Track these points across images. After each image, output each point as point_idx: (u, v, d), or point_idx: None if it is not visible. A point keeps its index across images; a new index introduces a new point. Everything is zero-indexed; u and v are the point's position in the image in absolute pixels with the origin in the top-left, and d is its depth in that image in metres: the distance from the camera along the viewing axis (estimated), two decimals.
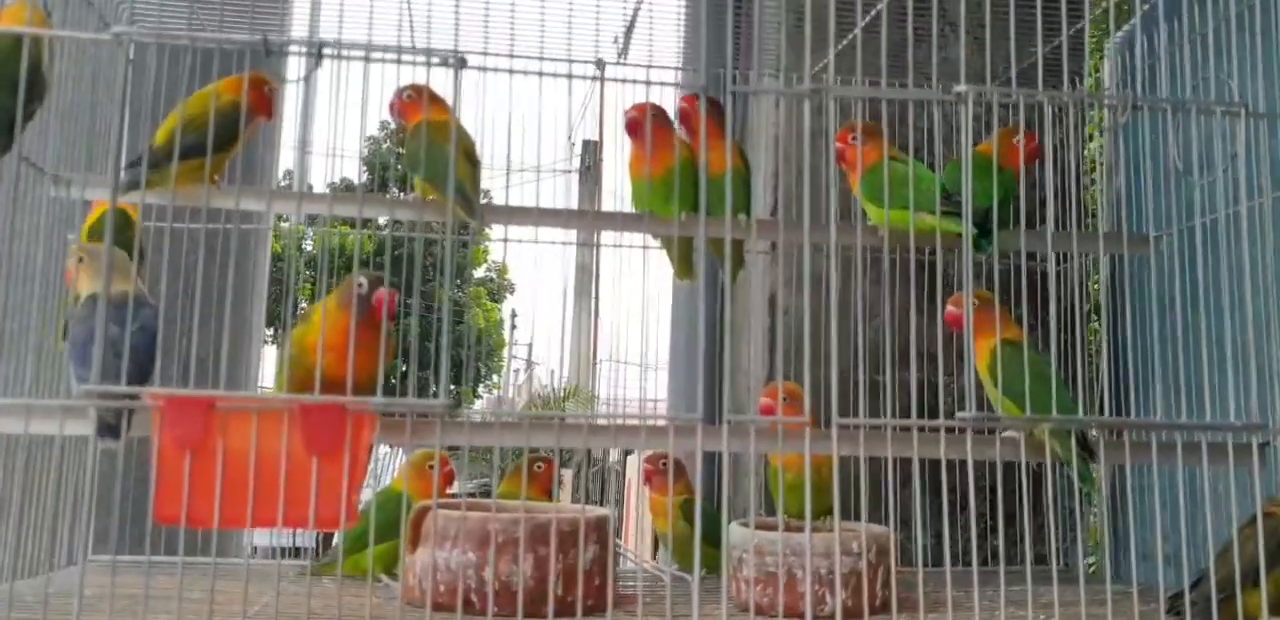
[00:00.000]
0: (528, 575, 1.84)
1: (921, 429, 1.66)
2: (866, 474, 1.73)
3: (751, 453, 1.69)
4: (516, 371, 16.95)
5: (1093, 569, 3.00)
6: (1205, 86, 2.23)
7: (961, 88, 1.57)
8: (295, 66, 1.75)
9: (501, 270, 16.64)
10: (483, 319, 15.59)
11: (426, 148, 1.96)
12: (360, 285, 1.83)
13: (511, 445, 1.91)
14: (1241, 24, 2.13)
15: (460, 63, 1.45)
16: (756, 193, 2.97)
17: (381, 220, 2.40)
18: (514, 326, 16.26)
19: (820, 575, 1.94)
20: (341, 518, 1.38)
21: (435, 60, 1.44)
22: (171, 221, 2.33)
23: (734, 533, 2.05)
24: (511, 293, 16.82)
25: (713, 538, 2.13)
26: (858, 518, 2.15)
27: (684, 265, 2.35)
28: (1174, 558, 2.07)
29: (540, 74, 2.13)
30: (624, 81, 2.30)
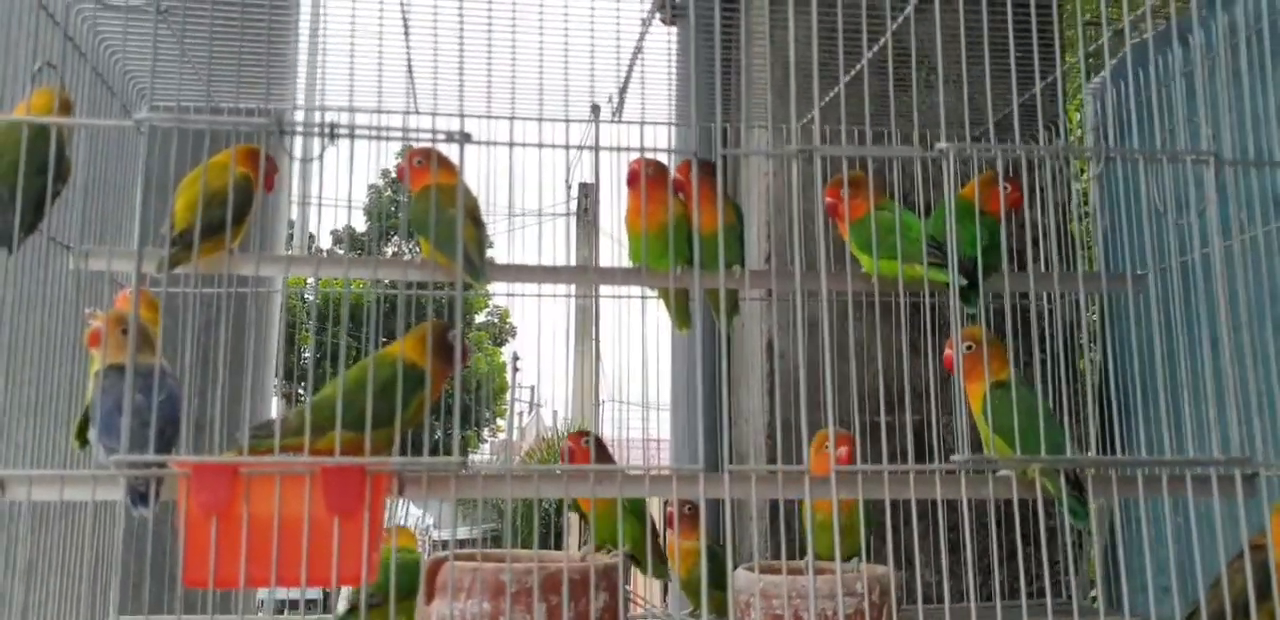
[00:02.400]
0: None
1: (920, 473, 1.72)
2: (867, 515, 1.80)
3: (753, 499, 1.75)
4: (520, 414, 16.96)
5: (1093, 602, 3.04)
6: (1176, 132, 2.33)
7: (943, 145, 1.66)
8: (302, 140, 1.83)
9: (504, 315, 16.75)
10: (485, 363, 15.64)
11: (433, 212, 2.04)
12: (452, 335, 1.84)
13: (519, 496, 1.97)
14: (1209, 70, 2.22)
15: (465, 138, 1.53)
16: (751, 243, 3.05)
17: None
18: (516, 370, 16.30)
19: (826, 616, 1.99)
20: (363, 575, 1.44)
21: (441, 137, 1.53)
22: (183, 287, 2.42)
23: (739, 577, 2.10)
24: (513, 336, 16.89)
25: (723, 582, 2.19)
26: (874, 558, 2.22)
27: (681, 316, 2.42)
28: (1170, 590, 2.12)
29: (540, 122, 2.21)
30: (618, 122, 2.39)
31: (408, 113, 2.06)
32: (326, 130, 1.50)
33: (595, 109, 2.55)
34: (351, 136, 1.52)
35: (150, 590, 2.52)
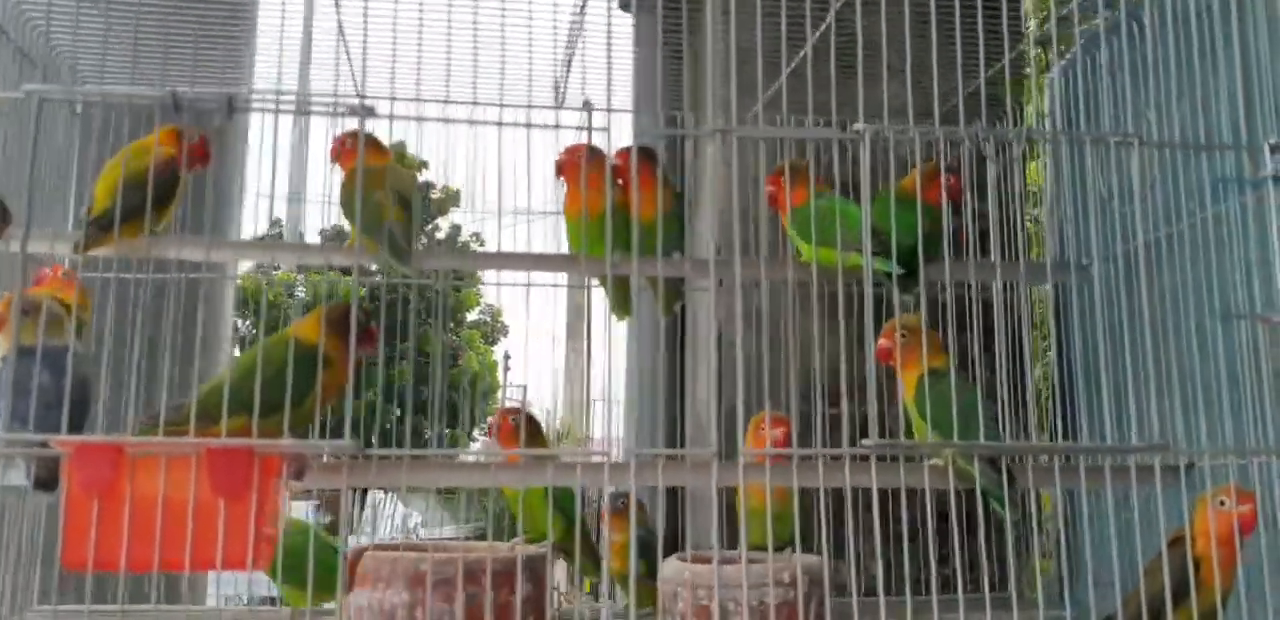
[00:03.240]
0: (460, 615, 1.86)
1: (835, 458, 1.69)
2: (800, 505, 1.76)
3: (660, 483, 1.72)
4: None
5: (1040, 596, 3.00)
6: (1125, 120, 2.29)
7: (859, 126, 1.62)
8: (259, 122, 1.78)
9: (496, 313, 16.69)
10: (476, 362, 15.59)
11: (350, 193, 2.01)
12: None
13: (476, 486, 1.94)
14: (1158, 58, 2.19)
15: (368, 111, 1.50)
16: (703, 234, 3.01)
17: (374, 266, 2.44)
18: (507, 369, 16.23)
19: (754, 607, 1.96)
20: (249, 558, 1.41)
21: (343, 110, 1.49)
22: (118, 272, 2.38)
23: (667, 567, 2.07)
24: (505, 335, 16.84)
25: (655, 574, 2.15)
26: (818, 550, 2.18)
27: (620, 305, 2.39)
28: (1113, 583, 2.09)
29: (500, 124, 2.18)
30: (559, 128, 2.35)
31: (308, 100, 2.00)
32: (224, 104, 1.47)
33: (587, 105, 2.51)
34: (248, 109, 1.48)
35: (90, 580, 2.48)
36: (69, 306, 1.86)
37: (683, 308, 3.23)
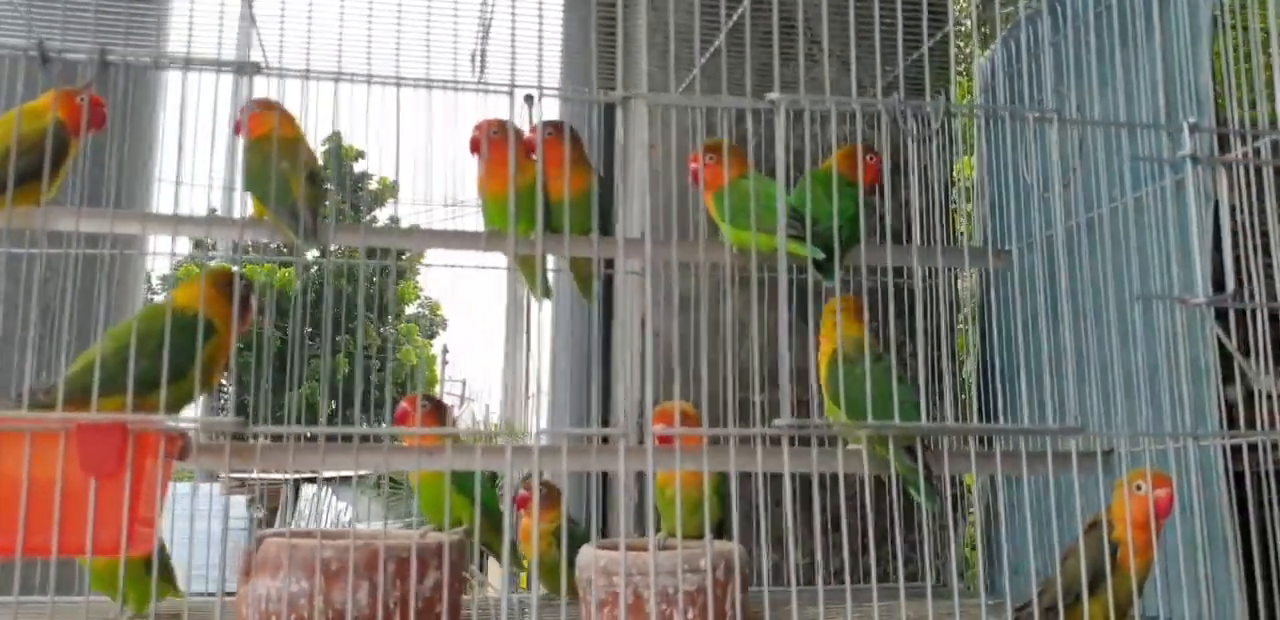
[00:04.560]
0: (362, 604, 1.79)
1: (745, 440, 1.64)
2: (737, 494, 1.72)
3: (564, 468, 1.65)
4: (451, 408, 16.72)
5: (969, 585, 3.00)
6: (1057, 99, 2.27)
7: (774, 95, 1.57)
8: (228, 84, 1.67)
9: (434, 307, 16.53)
10: (415, 356, 15.43)
11: (254, 163, 1.92)
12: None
13: (368, 469, 1.87)
14: (1081, 42, 2.18)
15: (253, 69, 1.42)
16: (633, 215, 2.96)
17: (310, 256, 2.33)
18: (445, 362, 16.11)
19: (667, 594, 1.91)
20: (122, 544, 1.32)
21: (228, 69, 1.41)
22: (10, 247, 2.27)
23: (582, 555, 2.01)
24: (444, 329, 16.69)
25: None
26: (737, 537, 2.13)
27: (536, 285, 2.32)
28: (1040, 570, 2.07)
29: (398, 84, 2.10)
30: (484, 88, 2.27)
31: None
32: (99, 57, 1.38)
33: (529, 99, 2.44)
34: (124, 63, 1.39)
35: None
36: None
37: (609, 292, 3.18)
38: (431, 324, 16.74)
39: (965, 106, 1.81)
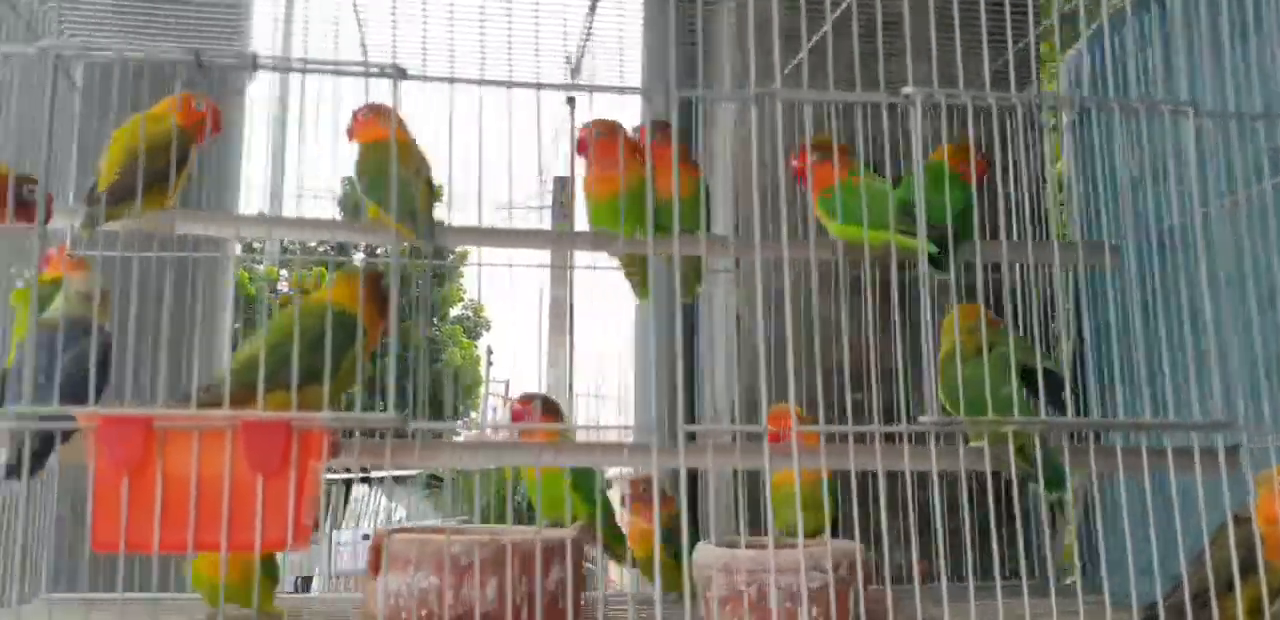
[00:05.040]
0: (489, 599, 1.80)
1: (889, 438, 1.63)
2: (841, 491, 1.71)
3: (710, 467, 1.66)
4: (494, 409, 16.78)
5: (1070, 582, 2.97)
6: (1160, 92, 2.24)
7: (909, 89, 1.56)
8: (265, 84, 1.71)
9: (478, 308, 16.60)
10: (460, 357, 15.51)
11: (374, 167, 1.94)
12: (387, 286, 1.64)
13: (458, 466, 1.89)
14: (1197, 28, 2.15)
15: (400, 73, 1.43)
16: (716, 211, 2.95)
17: (357, 261, 2.37)
18: (490, 363, 16.17)
19: (790, 592, 1.90)
20: (289, 538, 1.34)
21: (374, 71, 1.42)
22: (122, 251, 2.30)
23: (701, 552, 2.01)
24: (488, 330, 16.75)
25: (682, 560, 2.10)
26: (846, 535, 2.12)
27: (641, 285, 2.33)
28: (1150, 569, 2.05)
29: (510, 85, 2.10)
30: (579, 87, 2.29)
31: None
32: (249, 63, 1.39)
33: (571, 101, 2.44)
34: (276, 69, 1.41)
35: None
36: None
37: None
38: (475, 326, 16.81)
39: (1099, 100, 1.79)
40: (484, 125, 2.38)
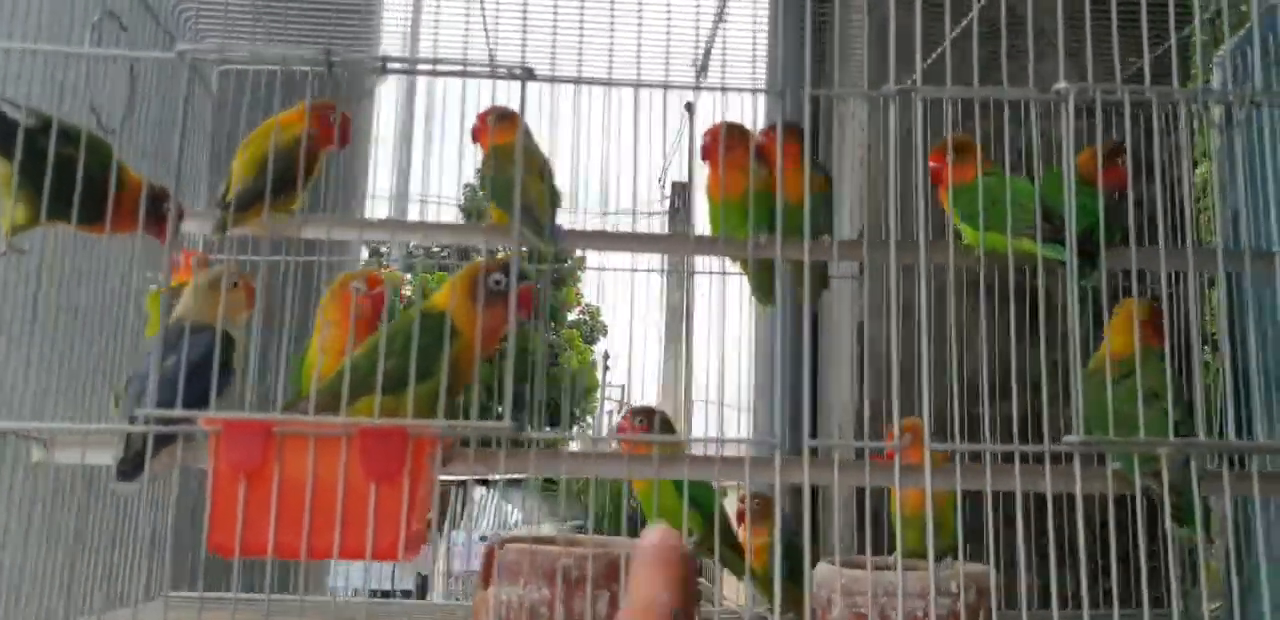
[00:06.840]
0: (603, 614, 1.75)
1: (1025, 458, 1.53)
2: (966, 511, 1.62)
3: (835, 483, 1.58)
4: (610, 413, 16.87)
5: (1216, 614, 2.78)
6: None
7: (1061, 85, 1.46)
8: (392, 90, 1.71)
9: (594, 313, 16.69)
10: (576, 361, 15.62)
11: (497, 169, 1.92)
12: (498, 282, 1.54)
13: (574, 475, 1.85)
14: None
15: (528, 74, 1.40)
16: (844, 217, 2.87)
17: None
18: (607, 368, 16.24)
19: (914, 617, 1.81)
20: (400, 548, 1.31)
21: (502, 72, 1.39)
22: (251, 254, 2.34)
23: (820, 571, 1.93)
24: (605, 335, 16.83)
25: (800, 578, 2.02)
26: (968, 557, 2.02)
27: (763, 290, 2.26)
28: None
29: (637, 85, 2.06)
30: (706, 87, 2.23)
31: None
32: (378, 64, 1.38)
33: (689, 107, 2.39)
34: (405, 71, 1.39)
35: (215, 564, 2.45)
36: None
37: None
38: (592, 330, 16.92)
39: (1271, 94, 1.65)
40: (609, 128, 2.36)
